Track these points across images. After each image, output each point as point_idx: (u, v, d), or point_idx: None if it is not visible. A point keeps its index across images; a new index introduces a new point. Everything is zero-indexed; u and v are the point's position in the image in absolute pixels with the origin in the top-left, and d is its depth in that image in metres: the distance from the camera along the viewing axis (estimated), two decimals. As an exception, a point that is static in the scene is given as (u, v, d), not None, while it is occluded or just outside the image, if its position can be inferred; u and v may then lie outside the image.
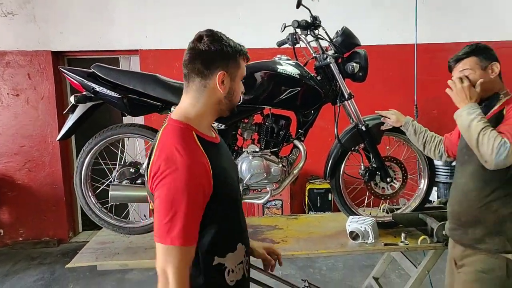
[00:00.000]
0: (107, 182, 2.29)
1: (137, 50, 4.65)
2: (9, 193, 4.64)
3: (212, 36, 1.23)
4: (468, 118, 1.67)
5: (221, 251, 1.24)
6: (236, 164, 1.49)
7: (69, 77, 2.15)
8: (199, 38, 1.24)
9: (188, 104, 1.26)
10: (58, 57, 4.72)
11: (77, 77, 2.12)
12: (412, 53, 4.44)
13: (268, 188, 2.25)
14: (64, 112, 2.21)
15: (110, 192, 2.14)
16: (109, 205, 2.28)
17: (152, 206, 1.23)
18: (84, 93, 2.12)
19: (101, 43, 4.61)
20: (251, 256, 1.52)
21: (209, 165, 1.17)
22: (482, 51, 1.76)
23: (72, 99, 2.09)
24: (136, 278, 3.73)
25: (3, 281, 3.78)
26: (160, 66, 4.46)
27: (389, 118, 2.25)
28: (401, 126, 2.22)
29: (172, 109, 2.13)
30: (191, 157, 1.15)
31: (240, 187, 2.16)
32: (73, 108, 2.16)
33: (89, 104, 2.14)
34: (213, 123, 1.87)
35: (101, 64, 2.14)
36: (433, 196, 3.57)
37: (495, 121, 1.70)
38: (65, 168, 4.74)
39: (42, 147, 4.64)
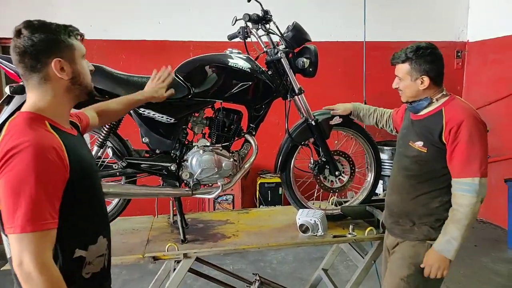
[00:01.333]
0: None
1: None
2: None
3: (31, 27, 1.15)
4: (456, 243, 1.71)
5: (83, 243, 1.22)
6: (95, 159, 1.51)
7: (3, 66, 1.98)
8: (17, 33, 1.15)
9: (37, 99, 1.18)
10: (-8, 43, 4.37)
11: (13, 66, 1.96)
12: (360, 50, 4.60)
13: (219, 183, 2.22)
14: (-1, 103, 2.03)
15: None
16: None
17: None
18: (21, 83, 1.97)
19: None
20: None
21: (64, 150, 1.12)
22: (416, 60, 1.77)
23: (7, 90, 1.93)
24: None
25: None
26: (105, 57, 4.27)
27: (336, 110, 2.32)
28: (350, 114, 2.31)
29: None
30: (40, 140, 1.07)
31: (190, 182, 2.13)
32: (9, 99, 2.00)
33: (26, 95, 1.99)
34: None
35: (40, 53, 1.99)
36: (379, 189, 3.72)
37: (431, 124, 1.79)
38: None
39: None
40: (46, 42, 1.15)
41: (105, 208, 1.38)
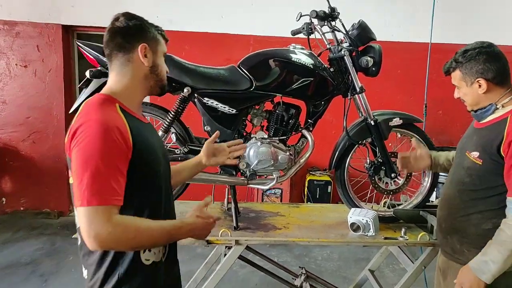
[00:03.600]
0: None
1: (147, 30, 4.65)
2: (12, 162, 4.68)
3: (129, 14, 1.30)
4: (498, 266, 1.51)
5: None
6: (166, 148, 1.50)
7: (85, 52, 2.16)
8: (116, 18, 1.28)
9: (114, 81, 1.28)
10: (68, 31, 4.72)
11: (93, 52, 2.13)
12: (422, 52, 4.44)
13: (274, 175, 2.27)
14: (78, 86, 2.24)
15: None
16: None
17: (71, 180, 1.16)
18: (99, 68, 2.14)
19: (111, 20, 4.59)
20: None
21: (128, 131, 1.16)
22: (466, 64, 1.65)
23: (87, 74, 2.10)
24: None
25: (3, 248, 3.85)
26: (169, 47, 4.44)
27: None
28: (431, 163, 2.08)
29: (184, 90, 2.15)
30: (107, 119, 1.14)
31: (246, 172, 2.20)
32: (87, 83, 2.17)
33: (103, 80, 2.15)
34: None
35: (118, 41, 2.15)
36: (433, 196, 3.61)
37: (496, 128, 1.61)
38: (69, 142, 4.77)
39: (47, 119, 4.67)
40: (139, 28, 1.28)
41: (171, 197, 1.39)
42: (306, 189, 4.60)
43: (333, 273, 3.55)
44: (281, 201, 4.53)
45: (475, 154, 1.66)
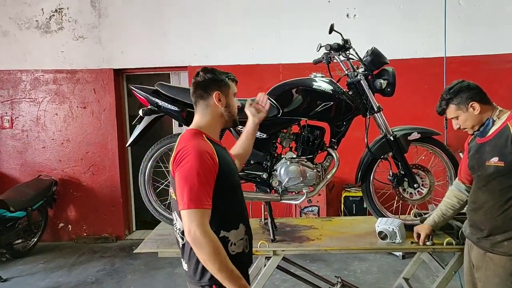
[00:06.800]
0: (166, 182, 2.68)
1: (186, 67, 5.11)
2: (75, 193, 5.24)
3: (206, 70, 1.72)
4: None
5: (227, 226, 1.62)
6: (236, 165, 1.86)
7: (137, 94, 2.56)
8: (196, 74, 1.72)
9: (199, 120, 1.72)
10: (118, 73, 5.29)
11: (143, 93, 2.52)
12: (446, 66, 4.56)
13: (304, 191, 2.52)
14: (133, 123, 2.62)
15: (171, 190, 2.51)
16: (167, 202, 2.67)
17: (174, 195, 1.60)
18: (149, 107, 2.52)
19: (155, 61, 5.12)
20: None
21: (215, 153, 1.57)
22: (456, 97, 1.99)
23: (140, 112, 2.50)
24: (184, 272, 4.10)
25: (71, 270, 4.31)
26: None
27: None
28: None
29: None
30: (200, 145, 1.56)
31: (279, 189, 2.48)
32: (140, 120, 2.57)
33: (153, 116, 2.54)
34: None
35: (164, 83, 2.54)
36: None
37: (503, 134, 1.90)
38: (122, 173, 5.28)
39: (103, 153, 5.21)
40: (213, 80, 1.71)
41: (244, 202, 1.78)
42: (342, 205, 4.76)
43: (371, 285, 3.66)
44: (319, 218, 4.71)
45: (495, 159, 1.92)
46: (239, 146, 2.07)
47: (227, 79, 1.74)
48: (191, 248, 1.55)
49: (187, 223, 1.48)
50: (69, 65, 5.16)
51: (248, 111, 2.12)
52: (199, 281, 1.61)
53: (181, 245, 1.69)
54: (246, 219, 1.75)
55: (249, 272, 2.90)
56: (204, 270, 1.57)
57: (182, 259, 1.70)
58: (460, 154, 3.79)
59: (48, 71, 5.18)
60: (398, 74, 2.49)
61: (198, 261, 1.55)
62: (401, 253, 4.27)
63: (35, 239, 4.86)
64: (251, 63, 4.99)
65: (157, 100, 2.47)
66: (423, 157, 2.71)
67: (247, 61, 4.99)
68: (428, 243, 2.34)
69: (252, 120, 2.10)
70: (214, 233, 1.50)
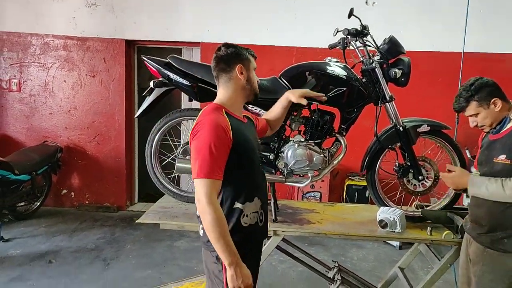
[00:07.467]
0: (172, 156, 2.69)
1: (199, 43, 5.07)
2: (80, 161, 5.29)
3: (227, 45, 1.77)
4: (481, 190, 1.93)
5: (242, 199, 1.68)
6: (258, 141, 1.94)
7: (149, 65, 2.54)
8: (218, 48, 1.77)
9: (221, 94, 1.77)
10: (130, 45, 5.26)
11: (155, 65, 2.51)
12: (460, 60, 4.51)
13: (309, 174, 2.53)
14: (143, 94, 2.61)
15: (176, 164, 2.52)
16: (172, 176, 2.69)
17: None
18: (161, 79, 2.51)
19: (168, 34, 5.08)
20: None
21: (230, 128, 1.62)
22: (478, 94, 1.97)
23: (151, 84, 2.49)
24: (184, 246, 4.18)
25: (72, 236, 4.39)
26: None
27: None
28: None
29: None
30: (216, 120, 1.61)
31: (284, 171, 2.49)
32: (150, 91, 2.56)
33: (163, 89, 2.53)
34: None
35: (176, 56, 2.52)
36: (465, 202, 3.68)
37: (511, 137, 1.91)
38: (127, 144, 5.31)
39: (110, 123, 5.22)
40: (235, 54, 1.76)
41: (262, 178, 1.84)
42: (345, 193, 4.78)
43: (367, 273, 3.70)
44: (320, 203, 4.74)
45: (503, 157, 1.93)
46: (271, 114, 2.22)
47: (247, 53, 1.79)
48: None
49: (197, 191, 1.56)
50: (81, 32, 5.12)
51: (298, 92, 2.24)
52: (206, 244, 1.68)
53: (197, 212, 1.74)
54: (263, 193, 1.81)
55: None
56: None
57: (199, 226, 1.76)
58: (467, 151, 3.80)
59: (59, 37, 5.15)
60: (412, 66, 2.46)
61: None
62: (398, 244, 4.32)
63: (38, 203, 4.94)
64: (265, 43, 4.94)
65: (168, 73, 2.46)
66: (429, 151, 2.71)
67: (260, 41, 4.94)
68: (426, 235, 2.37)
69: (286, 97, 2.22)
70: (219, 204, 1.58)
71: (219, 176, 1.59)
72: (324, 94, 2.37)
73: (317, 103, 2.50)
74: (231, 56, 1.74)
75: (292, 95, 2.22)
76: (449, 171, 2.19)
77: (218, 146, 1.57)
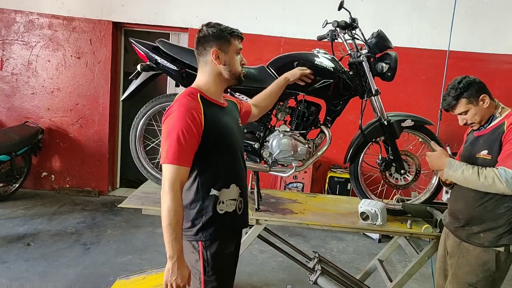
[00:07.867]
0: (156, 142, 2.67)
1: (187, 28, 5.00)
2: (61, 144, 5.19)
3: (208, 24, 1.67)
4: (457, 173, 1.96)
5: (218, 185, 1.63)
6: (241, 126, 1.85)
7: (136, 48, 2.50)
8: (201, 28, 1.67)
9: (199, 78, 1.69)
10: (117, 27, 5.15)
11: (143, 48, 2.47)
12: (445, 59, 4.57)
13: (293, 164, 2.54)
14: (129, 78, 2.57)
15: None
16: (156, 161, 2.67)
17: None
18: (148, 63, 2.48)
19: (156, 18, 4.99)
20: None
21: (202, 113, 1.55)
22: (466, 91, 1.99)
23: (138, 67, 2.45)
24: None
25: (51, 219, 4.33)
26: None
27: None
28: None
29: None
30: (187, 104, 1.55)
31: (269, 160, 2.49)
32: (137, 75, 2.52)
33: (151, 73, 2.50)
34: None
35: (165, 40, 2.49)
36: (444, 197, 3.77)
37: (494, 133, 1.96)
38: (111, 128, 5.23)
39: (94, 106, 5.13)
40: (213, 36, 1.63)
41: (241, 164, 1.75)
42: (327, 185, 4.83)
43: (346, 264, 3.77)
44: (302, 195, 4.78)
45: (484, 152, 1.99)
46: (261, 97, 2.17)
47: (229, 35, 1.65)
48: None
49: (163, 177, 1.53)
50: (67, 11, 4.99)
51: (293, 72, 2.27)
52: (183, 232, 1.61)
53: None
54: (241, 181, 1.73)
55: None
56: (193, 223, 1.63)
57: None
58: (448, 148, 3.86)
59: (44, 15, 5.01)
60: (399, 61, 2.48)
61: (187, 215, 1.62)
62: (377, 237, 4.40)
63: (17, 185, 4.85)
64: (253, 32, 4.90)
65: (156, 57, 2.42)
66: (411, 146, 2.75)
67: (249, 30, 4.87)
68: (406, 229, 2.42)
69: (284, 77, 2.22)
70: (180, 193, 1.53)
71: (185, 163, 1.53)
72: (312, 71, 2.38)
73: (304, 93, 2.51)
74: (209, 38, 1.62)
75: (290, 75, 2.25)
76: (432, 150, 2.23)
77: (187, 132, 1.51)
